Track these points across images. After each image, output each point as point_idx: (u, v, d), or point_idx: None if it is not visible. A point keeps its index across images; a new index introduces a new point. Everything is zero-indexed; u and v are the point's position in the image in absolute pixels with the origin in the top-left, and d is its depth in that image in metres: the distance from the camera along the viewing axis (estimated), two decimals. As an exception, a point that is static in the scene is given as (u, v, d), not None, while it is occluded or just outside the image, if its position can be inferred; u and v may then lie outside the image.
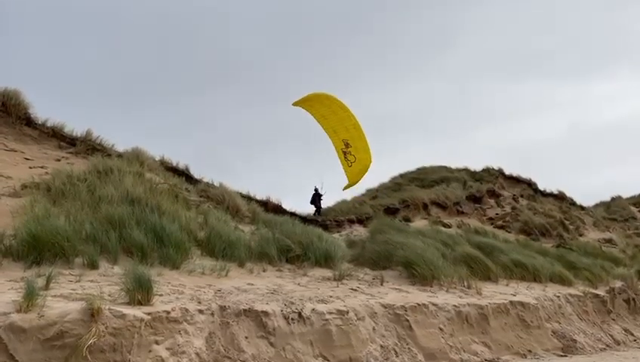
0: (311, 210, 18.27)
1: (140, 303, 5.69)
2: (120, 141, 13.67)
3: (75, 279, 6.46)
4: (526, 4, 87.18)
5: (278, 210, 15.90)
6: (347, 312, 7.47)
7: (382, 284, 9.60)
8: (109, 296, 5.84)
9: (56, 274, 6.22)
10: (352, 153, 13.96)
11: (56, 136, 13.15)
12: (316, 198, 18.34)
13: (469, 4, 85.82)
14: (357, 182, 14.75)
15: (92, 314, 5.06)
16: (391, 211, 20.56)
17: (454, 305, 9.08)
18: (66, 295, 5.65)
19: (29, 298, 4.99)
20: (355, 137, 13.77)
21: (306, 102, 13.98)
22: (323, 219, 17.22)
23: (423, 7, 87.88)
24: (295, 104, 14.18)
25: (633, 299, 14.34)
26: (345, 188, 15.37)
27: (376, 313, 7.98)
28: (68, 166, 11.12)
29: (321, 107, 13.91)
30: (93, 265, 7.09)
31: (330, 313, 7.27)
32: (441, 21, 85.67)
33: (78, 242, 7.30)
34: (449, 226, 19.69)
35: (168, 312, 5.71)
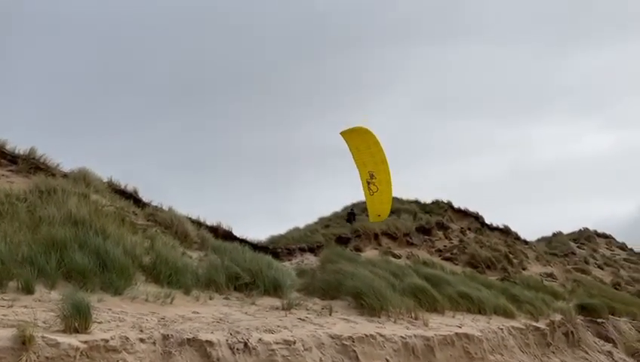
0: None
1: (76, 331, 5.41)
2: (65, 162, 13.04)
3: (7, 304, 6.09)
4: (465, 49, 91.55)
5: (228, 236, 15.67)
6: (294, 342, 7.36)
7: (330, 314, 9.55)
8: (44, 322, 5.54)
9: (-14, 299, 5.87)
10: (375, 184, 15.07)
11: (-3, 153, 12.54)
12: (351, 217, 22.28)
13: (408, 45, 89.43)
14: (382, 210, 15.74)
15: (23, 341, 4.77)
16: (343, 241, 20.68)
17: (401, 336, 9.12)
18: (-4, 321, 5.33)
19: (-45, 324, 4.68)
20: (380, 170, 14.94)
21: (347, 134, 15.01)
22: (274, 246, 17.12)
23: (364, 46, 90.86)
24: (342, 134, 15.07)
25: (572, 332, 14.87)
26: (372, 219, 16.65)
27: (323, 343, 7.90)
28: (7, 184, 10.62)
29: (358, 139, 14.95)
30: (28, 290, 6.71)
31: (277, 343, 7.15)
32: (381, 61, 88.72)
33: (13, 265, 6.93)
34: (399, 257, 19.95)
35: (107, 341, 5.45)
